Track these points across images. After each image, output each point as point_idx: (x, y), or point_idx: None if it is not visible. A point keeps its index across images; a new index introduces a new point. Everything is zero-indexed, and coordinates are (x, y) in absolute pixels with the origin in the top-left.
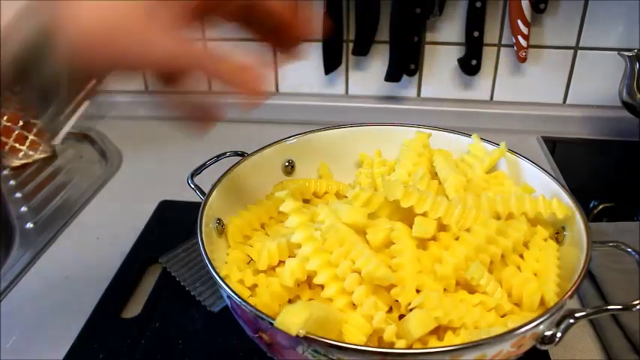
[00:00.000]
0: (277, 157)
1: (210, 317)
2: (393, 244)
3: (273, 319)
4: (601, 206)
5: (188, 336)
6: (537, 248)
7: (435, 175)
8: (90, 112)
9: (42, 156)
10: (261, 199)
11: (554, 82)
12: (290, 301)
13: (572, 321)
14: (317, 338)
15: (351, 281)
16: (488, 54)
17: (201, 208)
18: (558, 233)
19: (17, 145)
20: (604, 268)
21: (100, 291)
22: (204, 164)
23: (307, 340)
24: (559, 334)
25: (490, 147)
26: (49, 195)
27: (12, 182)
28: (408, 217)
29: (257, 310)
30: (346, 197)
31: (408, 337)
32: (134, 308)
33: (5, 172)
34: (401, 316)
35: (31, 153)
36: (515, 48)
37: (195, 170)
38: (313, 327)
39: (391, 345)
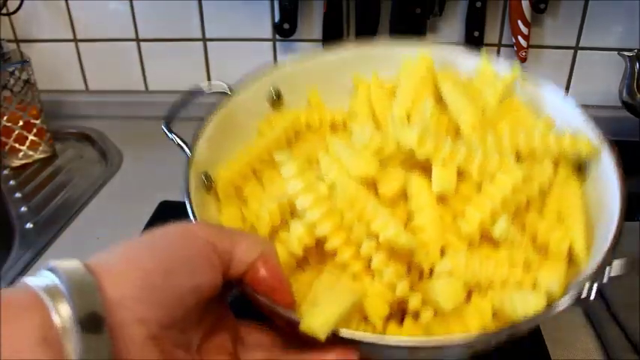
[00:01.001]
0: (264, 90)
1: None
2: (406, 196)
3: (296, 318)
4: None
5: None
6: (559, 189)
7: (438, 100)
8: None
9: (42, 156)
10: (251, 143)
11: (554, 82)
12: (297, 265)
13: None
14: (345, 337)
15: (368, 248)
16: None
17: (186, 162)
18: (580, 170)
19: (17, 145)
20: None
21: None
22: (179, 104)
23: (344, 339)
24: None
25: (501, 69)
26: (49, 195)
27: (12, 182)
28: (420, 163)
29: (274, 304)
30: (343, 127)
31: (436, 306)
32: None
33: (5, 172)
34: (420, 275)
35: (31, 153)
36: (515, 48)
37: (169, 114)
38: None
39: (416, 314)
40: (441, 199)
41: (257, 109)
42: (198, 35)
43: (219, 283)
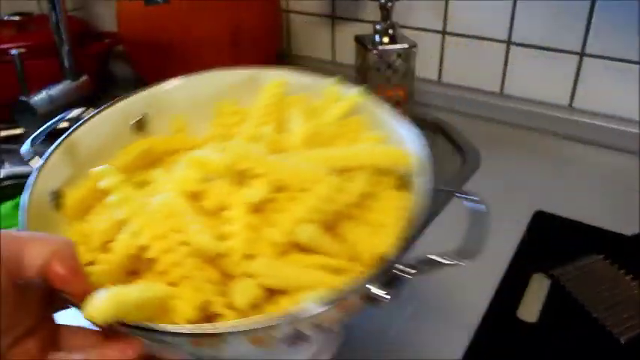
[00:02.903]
0: (126, 114)
1: (617, 346)
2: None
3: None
4: None
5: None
6: (383, 200)
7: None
8: None
9: None
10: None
11: None
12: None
13: (399, 275)
14: (128, 324)
15: (180, 253)
16: None
17: (33, 175)
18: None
19: None
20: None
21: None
22: (47, 127)
23: (125, 326)
24: (386, 294)
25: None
26: None
27: None
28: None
29: (69, 296)
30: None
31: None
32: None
33: None
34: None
35: None
36: None
37: (36, 136)
38: (133, 312)
39: (219, 317)
40: (257, 209)
41: (118, 131)
42: (577, 49)
43: (8, 289)
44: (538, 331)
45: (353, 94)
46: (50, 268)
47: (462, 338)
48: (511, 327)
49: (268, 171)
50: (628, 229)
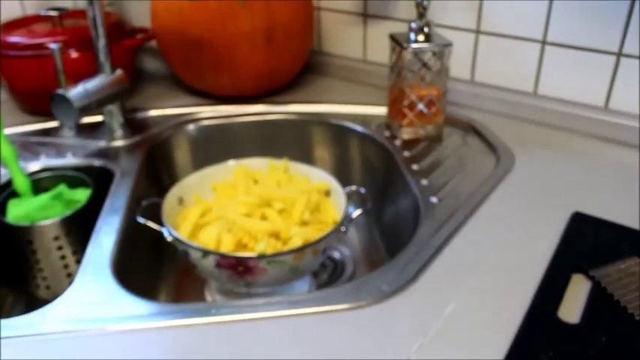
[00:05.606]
0: (173, 195)
1: None
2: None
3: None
4: None
5: None
6: (323, 201)
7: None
8: None
9: (429, 135)
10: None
11: None
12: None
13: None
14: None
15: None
16: None
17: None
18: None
19: (416, 120)
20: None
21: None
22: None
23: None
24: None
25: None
26: (445, 175)
27: (406, 153)
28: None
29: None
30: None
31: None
32: (569, 314)
33: (398, 142)
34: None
35: (421, 131)
36: None
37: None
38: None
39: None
40: (279, 212)
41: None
42: (614, 49)
43: None
44: (580, 332)
45: (280, 166)
46: None
47: (503, 339)
48: (553, 328)
49: (278, 197)
50: None
